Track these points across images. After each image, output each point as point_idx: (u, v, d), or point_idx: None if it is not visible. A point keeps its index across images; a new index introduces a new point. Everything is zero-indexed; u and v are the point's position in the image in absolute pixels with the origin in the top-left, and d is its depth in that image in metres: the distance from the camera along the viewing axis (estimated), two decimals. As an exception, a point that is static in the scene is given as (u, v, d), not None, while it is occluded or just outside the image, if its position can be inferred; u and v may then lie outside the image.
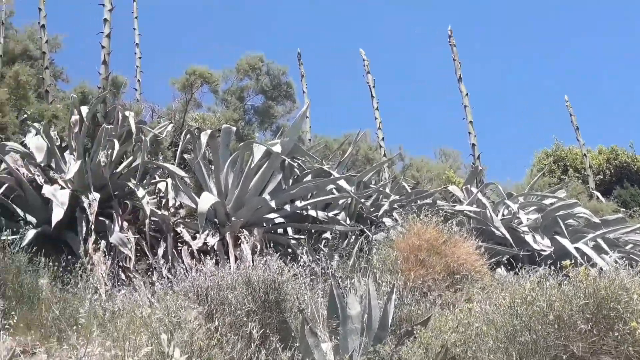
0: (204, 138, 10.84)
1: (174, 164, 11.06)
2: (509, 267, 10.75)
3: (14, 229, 8.86)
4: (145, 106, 15.68)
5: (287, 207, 10.67)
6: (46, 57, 13.64)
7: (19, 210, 9.44)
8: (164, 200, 10.77)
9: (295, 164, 11.53)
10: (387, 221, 11.12)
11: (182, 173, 10.75)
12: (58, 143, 10.63)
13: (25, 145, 10.43)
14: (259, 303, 6.04)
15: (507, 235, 11.53)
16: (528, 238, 11.81)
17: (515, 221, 12.32)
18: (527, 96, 39.18)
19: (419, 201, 11.72)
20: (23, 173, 9.50)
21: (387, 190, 12.44)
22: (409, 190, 12.95)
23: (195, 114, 15.93)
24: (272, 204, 10.22)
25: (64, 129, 11.00)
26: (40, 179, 9.59)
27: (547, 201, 13.23)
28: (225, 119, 15.07)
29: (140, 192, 9.75)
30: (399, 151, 18.81)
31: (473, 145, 15.09)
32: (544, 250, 11.62)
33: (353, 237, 10.26)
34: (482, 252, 8.86)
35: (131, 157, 10.81)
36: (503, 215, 12.76)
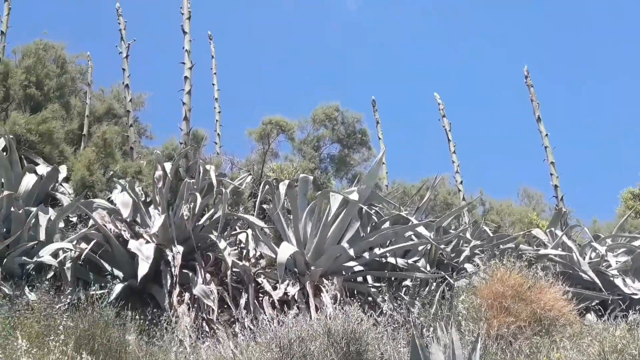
0: (282, 188, 10.98)
1: (253, 215, 11.23)
2: (600, 313, 10.38)
3: (102, 284, 9.13)
4: (225, 158, 16.02)
5: (366, 254, 10.64)
6: (130, 115, 14.16)
7: (106, 265, 9.72)
8: (244, 251, 10.92)
9: (373, 211, 11.51)
10: (469, 267, 10.94)
11: (261, 224, 10.89)
12: (143, 198, 10.95)
13: (111, 202, 10.79)
14: (341, 354, 6.01)
15: (596, 279, 11.16)
16: (618, 282, 11.39)
17: (604, 264, 11.92)
18: (609, 133, 38.13)
19: (501, 246, 11.50)
20: (110, 229, 9.80)
21: (468, 235, 12.26)
22: (491, 235, 12.73)
23: (273, 164, 16.16)
24: (351, 252, 10.22)
25: (148, 184, 11.34)
26: (126, 234, 9.88)
27: (637, 243, 12.77)
28: (302, 169, 15.22)
29: (222, 244, 9.92)
30: (479, 195, 18.55)
31: (555, 186, 14.75)
32: (635, 294, 11.19)
33: (434, 284, 10.11)
34: (569, 298, 8.59)
35: (212, 210, 11.02)
36: (590, 258, 12.37)
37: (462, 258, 11.26)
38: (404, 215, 11.55)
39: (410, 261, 11.00)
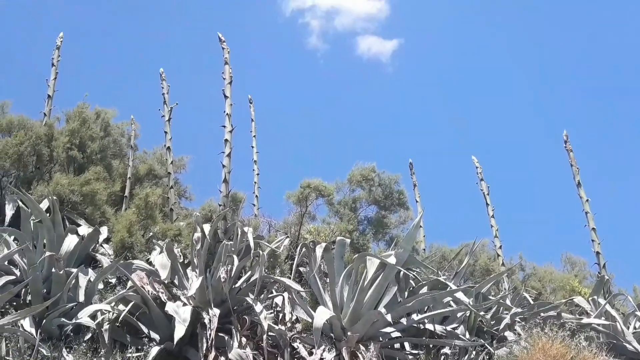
0: (318, 251, 10.96)
1: (290, 278, 11.20)
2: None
3: (139, 346, 9.13)
4: (263, 221, 16.09)
5: (404, 320, 10.50)
6: (171, 177, 14.37)
7: (143, 328, 9.74)
8: (280, 315, 10.85)
9: (411, 276, 11.40)
10: (509, 335, 10.71)
11: (298, 287, 10.84)
12: (181, 260, 11.02)
13: (150, 263, 10.87)
14: None
15: (640, 350, 10.84)
16: (663, 352, 11.05)
17: (649, 334, 11.59)
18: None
19: (542, 314, 11.26)
20: (148, 291, 9.85)
21: (508, 302, 12.04)
22: (532, 302, 12.49)
23: (310, 226, 16.17)
24: (388, 317, 10.09)
25: (187, 245, 11.42)
26: (163, 296, 9.91)
27: (683, 312, 12.41)
28: (340, 231, 15.21)
29: (258, 307, 9.88)
30: (519, 260, 18.27)
31: (597, 253, 14.48)
32: (682, 366, 10.82)
33: (474, 352, 9.92)
34: (613, 369, 8.35)
35: (249, 272, 11.03)
36: (635, 328, 12.04)
37: (502, 326, 11.04)
38: (442, 281, 11.41)
39: (449, 328, 10.82)
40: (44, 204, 11.91)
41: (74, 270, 10.10)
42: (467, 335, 10.71)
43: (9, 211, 11.97)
